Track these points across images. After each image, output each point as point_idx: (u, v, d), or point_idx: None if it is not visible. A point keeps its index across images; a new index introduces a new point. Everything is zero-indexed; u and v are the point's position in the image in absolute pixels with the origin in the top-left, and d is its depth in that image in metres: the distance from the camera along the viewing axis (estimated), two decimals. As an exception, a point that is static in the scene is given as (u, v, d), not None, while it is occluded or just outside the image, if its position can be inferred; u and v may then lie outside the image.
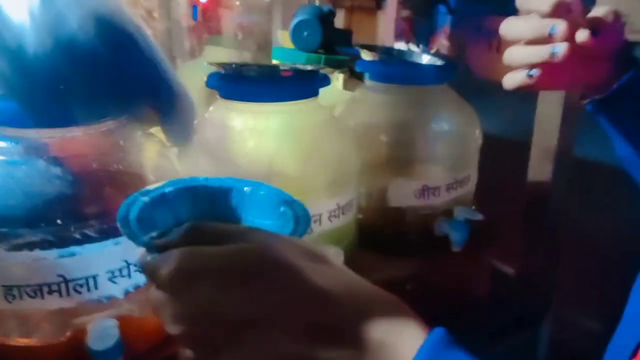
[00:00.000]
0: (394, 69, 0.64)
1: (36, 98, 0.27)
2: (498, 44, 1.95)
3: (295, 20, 0.81)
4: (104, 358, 0.38)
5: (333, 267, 0.29)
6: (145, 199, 0.32)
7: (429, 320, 0.59)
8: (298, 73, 0.51)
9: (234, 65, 0.53)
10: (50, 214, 0.38)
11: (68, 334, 0.39)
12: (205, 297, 0.26)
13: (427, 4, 1.84)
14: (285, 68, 0.52)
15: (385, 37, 1.95)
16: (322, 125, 0.53)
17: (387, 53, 0.69)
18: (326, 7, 0.86)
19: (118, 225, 0.30)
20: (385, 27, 2.11)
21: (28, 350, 0.39)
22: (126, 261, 0.40)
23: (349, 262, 0.58)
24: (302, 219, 0.33)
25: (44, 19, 0.25)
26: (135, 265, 0.40)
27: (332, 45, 0.84)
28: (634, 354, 0.38)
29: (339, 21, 2.41)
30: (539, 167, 0.65)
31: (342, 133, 0.55)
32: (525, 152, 0.67)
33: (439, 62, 0.65)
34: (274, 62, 0.85)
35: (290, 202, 0.35)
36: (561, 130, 0.64)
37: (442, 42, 1.88)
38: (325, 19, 0.83)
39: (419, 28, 1.87)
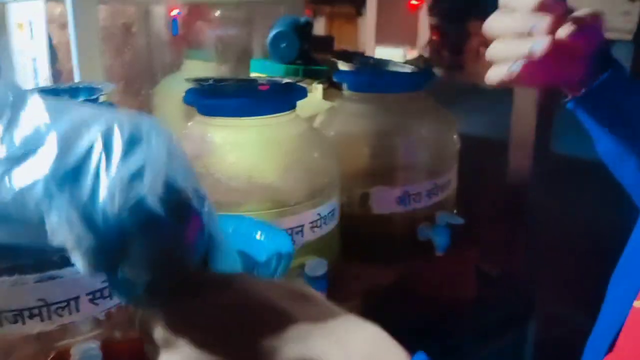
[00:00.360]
0: (370, 79, 0.65)
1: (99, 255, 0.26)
2: (477, 48, 1.97)
3: (272, 32, 0.81)
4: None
5: (315, 304, 0.29)
6: None
7: (416, 325, 0.60)
8: (275, 87, 0.51)
9: (210, 81, 0.53)
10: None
11: (50, 358, 0.39)
12: (193, 354, 0.27)
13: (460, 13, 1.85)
14: (262, 82, 0.52)
15: (366, 43, 1.96)
16: (301, 136, 0.54)
17: (364, 62, 0.70)
18: (303, 18, 0.87)
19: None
20: (365, 33, 2.13)
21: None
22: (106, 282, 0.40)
23: (334, 271, 0.58)
24: (284, 255, 0.34)
25: (118, 176, 0.25)
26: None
27: (310, 56, 0.84)
28: (611, 349, 0.39)
29: (320, 28, 2.43)
30: (518, 166, 0.66)
31: (321, 143, 0.55)
32: (503, 152, 0.68)
33: (414, 70, 0.66)
34: (253, 74, 0.85)
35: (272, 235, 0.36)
36: (537, 128, 0.65)
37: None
38: (302, 30, 0.84)
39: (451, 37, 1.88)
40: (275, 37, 0.80)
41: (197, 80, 0.53)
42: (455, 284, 0.67)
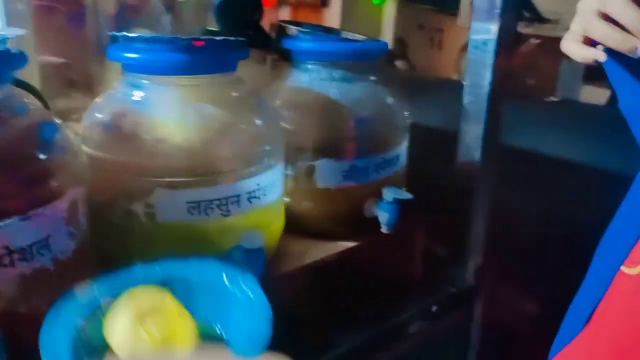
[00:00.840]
0: (320, 45, 0.62)
1: None
2: (439, 42, 1.98)
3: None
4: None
5: None
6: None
7: (360, 304, 0.57)
8: (212, 43, 0.47)
9: (141, 36, 0.49)
10: None
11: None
12: None
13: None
14: (198, 38, 0.48)
15: None
16: (239, 100, 0.50)
17: (314, 31, 0.67)
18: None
19: None
20: (330, 24, 2.11)
21: None
22: (6, 247, 0.35)
23: (277, 246, 0.55)
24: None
25: None
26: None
27: (260, 27, 0.80)
28: (589, 319, 0.40)
29: (284, 18, 2.39)
30: (467, 155, 0.64)
31: (262, 109, 0.52)
32: (453, 142, 0.67)
33: (366, 40, 0.63)
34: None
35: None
36: (486, 120, 0.63)
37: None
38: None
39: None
40: (221, 4, 0.76)
41: (127, 37, 0.49)
42: (401, 263, 0.65)
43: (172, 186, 0.45)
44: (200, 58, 0.46)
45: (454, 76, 1.77)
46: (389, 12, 2.08)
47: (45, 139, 0.38)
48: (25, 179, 0.36)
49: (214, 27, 0.84)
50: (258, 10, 0.81)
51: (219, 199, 0.47)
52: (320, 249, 0.59)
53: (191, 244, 0.47)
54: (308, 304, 0.56)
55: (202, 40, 0.47)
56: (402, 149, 0.63)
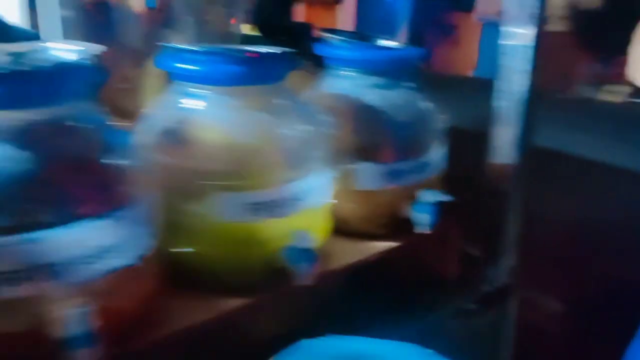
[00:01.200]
0: (357, 53, 0.64)
1: None
2: (455, 38, 1.98)
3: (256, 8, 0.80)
4: (75, 345, 0.37)
5: None
6: None
7: (396, 302, 0.60)
8: (265, 55, 0.50)
9: (193, 48, 0.52)
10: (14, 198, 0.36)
11: (35, 322, 0.37)
12: None
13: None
14: (250, 49, 0.51)
15: None
16: (289, 107, 0.53)
17: (353, 38, 0.69)
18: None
19: None
20: (344, 22, 2.12)
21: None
22: (98, 245, 0.38)
23: (323, 248, 0.58)
24: None
25: None
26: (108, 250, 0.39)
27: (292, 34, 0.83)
28: None
29: (298, 15, 2.40)
30: (500, 157, 0.66)
31: (310, 117, 0.54)
32: (486, 143, 0.69)
33: (403, 49, 0.66)
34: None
35: None
36: (518, 121, 0.65)
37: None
38: (286, 5, 0.83)
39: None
40: (260, 14, 0.79)
41: (180, 49, 0.51)
42: (437, 262, 0.67)
43: (228, 189, 0.48)
44: (254, 69, 0.49)
45: (471, 73, 1.77)
46: (404, 9, 2.09)
47: (121, 147, 0.41)
48: (109, 183, 0.39)
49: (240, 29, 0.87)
50: (289, 15, 0.84)
51: (271, 201, 0.49)
52: (360, 249, 0.61)
53: (246, 243, 0.49)
54: (349, 301, 0.59)
55: (255, 52, 0.49)
56: (439, 152, 0.66)
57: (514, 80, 0.66)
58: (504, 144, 0.66)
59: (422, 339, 0.64)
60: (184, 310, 0.48)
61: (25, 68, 0.38)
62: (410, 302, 0.64)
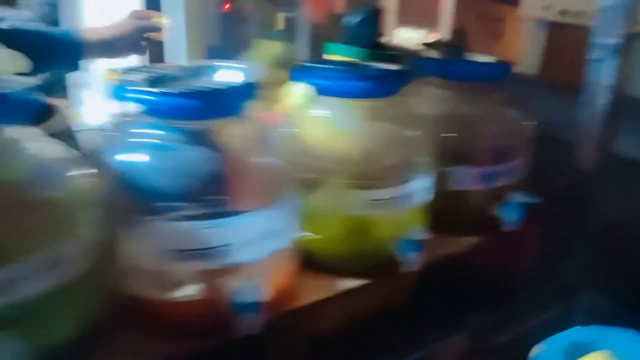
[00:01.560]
0: (456, 67, 0.71)
1: None
2: (500, 33, 1.94)
3: (353, 18, 0.87)
4: (244, 311, 0.46)
5: None
6: None
7: (481, 293, 0.67)
8: (385, 72, 0.58)
9: (322, 63, 0.60)
10: (200, 192, 0.45)
11: (210, 291, 0.47)
12: None
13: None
14: (374, 66, 0.59)
15: (387, 24, 1.87)
16: (403, 117, 0.61)
17: (448, 52, 0.76)
18: (375, 6, 0.93)
19: None
20: (386, 14, 2.03)
21: (179, 304, 0.47)
22: (265, 231, 0.48)
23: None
24: None
25: None
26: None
27: (378, 41, 0.91)
28: None
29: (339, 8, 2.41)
30: (583, 162, 0.72)
31: (420, 124, 0.62)
32: (569, 147, 0.74)
33: (493, 62, 0.72)
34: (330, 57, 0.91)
35: None
36: (602, 128, 0.71)
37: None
38: (377, 16, 0.90)
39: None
40: (358, 23, 0.86)
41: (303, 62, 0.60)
42: (518, 257, 0.74)
43: (354, 187, 0.56)
44: (380, 85, 0.57)
45: (517, 68, 1.74)
46: (447, 2, 2.08)
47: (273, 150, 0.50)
48: (270, 181, 0.49)
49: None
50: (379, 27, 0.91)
51: (388, 198, 0.57)
52: (449, 244, 0.69)
53: (364, 233, 0.58)
54: (437, 292, 0.67)
55: (381, 70, 0.58)
56: (524, 157, 0.72)
57: (599, 89, 0.72)
58: (586, 149, 0.72)
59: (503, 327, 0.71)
60: (312, 288, 0.57)
61: (212, 87, 0.47)
62: (492, 292, 0.71)
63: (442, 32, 1.83)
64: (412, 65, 0.70)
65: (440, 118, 0.69)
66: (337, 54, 0.90)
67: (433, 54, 0.73)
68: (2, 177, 0.40)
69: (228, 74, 0.52)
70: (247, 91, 0.49)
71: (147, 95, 0.46)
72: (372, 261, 0.59)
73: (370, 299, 0.60)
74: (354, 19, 0.87)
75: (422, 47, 0.75)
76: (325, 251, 0.59)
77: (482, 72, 0.71)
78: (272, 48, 1.08)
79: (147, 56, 1.03)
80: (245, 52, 1.12)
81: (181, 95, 0.45)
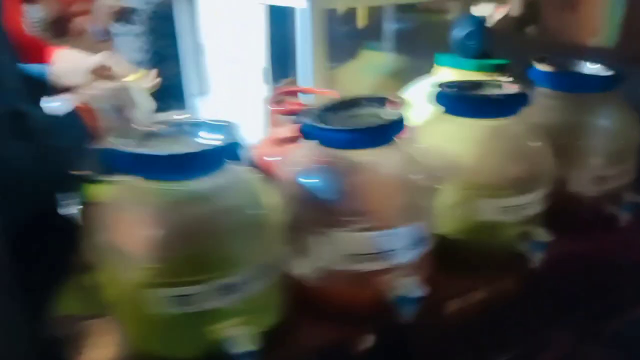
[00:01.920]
0: (567, 79, 0.78)
1: None
2: (574, 3, 1.83)
3: (462, 30, 0.95)
4: (406, 304, 0.57)
5: None
6: None
7: (594, 287, 0.74)
8: (510, 94, 0.66)
9: (456, 85, 0.69)
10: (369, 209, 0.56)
11: (379, 287, 0.58)
12: None
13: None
14: (502, 89, 0.68)
15: None
16: (522, 133, 0.69)
17: (560, 65, 0.82)
18: (482, 17, 1.00)
19: None
20: None
21: (356, 296, 0.59)
22: (416, 238, 0.58)
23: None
24: None
25: None
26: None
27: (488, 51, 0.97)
28: None
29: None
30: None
31: (539, 140, 0.70)
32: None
33: (605, 73, 0.78)
34: (439, 68, 0.99)
35: None
36: None
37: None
38: (484, 26, 0.97)
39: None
40: (468, 35, 0.93)
41: (442, 84, 0.69)
42: (632, 252, 0.80)
43: (485, 196, 0.65)
44: (504, 107, 0.65)
45: (593, 41, 1.63)
46: None
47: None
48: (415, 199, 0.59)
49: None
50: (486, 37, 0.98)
51: (515, 206, 0.66)
52: (564, 242, 0.76)
53: (495, 234, 0.67)
54: (556, 286, 0.74)
55: (509, 94, 0.66)
56: (634, 161, 0.78)
57: None
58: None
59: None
60: (448, 283, 0.66)
61: (377, 123, 0.58)
62: (604, 285, 0.78)
63: (513, 4, 1.77)
64: (524, 78, 0.77)
65: (554, 127, 0.76)
66: (447, 65, 0.98)
67: (545, 67, 0.79)
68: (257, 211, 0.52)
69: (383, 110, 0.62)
70: (400, 124, 0.59)
71: (321, 130, 0.57)
72: (502, 259, 0.68)
73: (495, 292, 0.69)
74: (462, 31, 0.95)
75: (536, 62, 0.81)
76: (461, 250, 0.68)
77: (593, 83, 0.77)
78: (377, 58, 1.17)
79: (270, 70, 1.11)
80: (351, 62, 1.22)
81: (353, 130, 0.56)
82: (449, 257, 0.67)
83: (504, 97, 0.66)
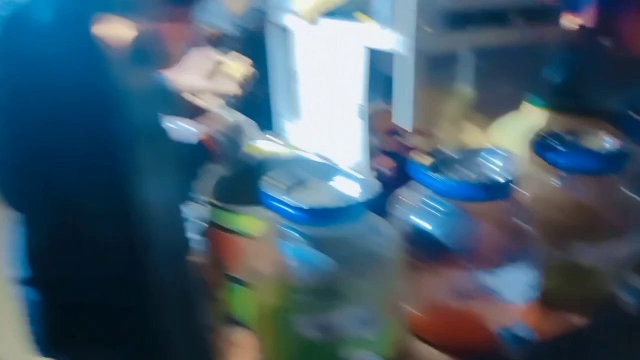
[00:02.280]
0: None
1: None
2: None
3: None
4: (514, 341, 0.64)
5: None
6: None
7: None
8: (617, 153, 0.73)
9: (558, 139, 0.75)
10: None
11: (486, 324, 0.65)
12: None
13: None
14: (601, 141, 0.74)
15: None
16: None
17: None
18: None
19: None
20: None
21: (465, 331, 0.66)
22: (525, 280, 0.65)
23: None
24: None
25: None
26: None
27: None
28: None
29: None
30: None
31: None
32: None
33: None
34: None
35: None
36: None
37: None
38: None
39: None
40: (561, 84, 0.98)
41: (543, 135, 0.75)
42: None
43: (581, 239, 0.71)
44: (607, 162, 0.71)
45: None
46: None
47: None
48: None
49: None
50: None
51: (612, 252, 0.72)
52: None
53: (589, 278, 0.73)
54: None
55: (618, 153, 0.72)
56: None
57: None
58: None
59: None
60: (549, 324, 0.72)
61: (494, 179, 0.65)
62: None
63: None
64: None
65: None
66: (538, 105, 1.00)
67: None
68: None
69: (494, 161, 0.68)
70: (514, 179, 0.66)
71: (439, 182, 0.65)
72: (596, 302, 0.74)
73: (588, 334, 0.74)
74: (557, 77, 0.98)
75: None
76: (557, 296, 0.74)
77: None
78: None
79: (366, 107, 1.15)
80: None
81: (466, 184, 0.63)
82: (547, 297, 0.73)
83: (614, 154, 0.72)
